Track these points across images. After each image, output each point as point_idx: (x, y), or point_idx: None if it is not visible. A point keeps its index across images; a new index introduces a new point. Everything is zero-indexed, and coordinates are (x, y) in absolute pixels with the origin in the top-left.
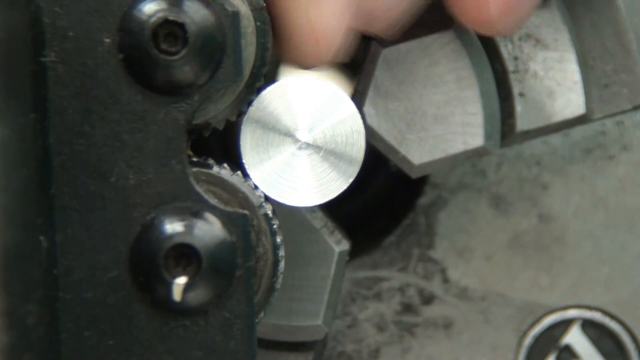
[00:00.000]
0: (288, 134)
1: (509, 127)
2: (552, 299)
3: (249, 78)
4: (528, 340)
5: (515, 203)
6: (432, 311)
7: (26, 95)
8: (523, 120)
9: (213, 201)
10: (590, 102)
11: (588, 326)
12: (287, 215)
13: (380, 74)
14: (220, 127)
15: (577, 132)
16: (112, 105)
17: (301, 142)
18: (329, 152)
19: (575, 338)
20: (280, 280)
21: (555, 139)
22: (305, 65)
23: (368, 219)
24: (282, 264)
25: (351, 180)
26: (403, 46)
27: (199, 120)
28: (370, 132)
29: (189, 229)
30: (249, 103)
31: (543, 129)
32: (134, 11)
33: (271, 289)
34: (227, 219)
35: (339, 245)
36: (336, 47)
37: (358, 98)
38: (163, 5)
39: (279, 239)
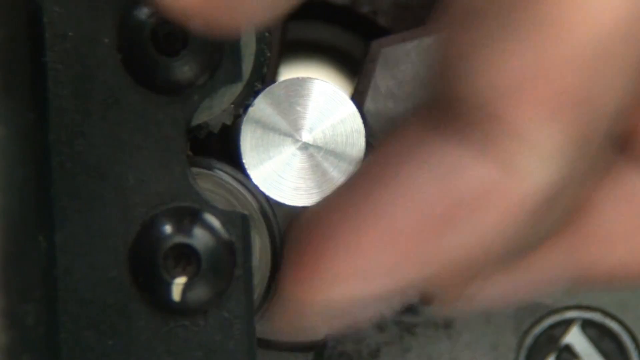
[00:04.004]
0: (288, 134)
1: None
2: (552, 299)
3: (248, 78)
4: (528, 340)
5: None
6: (432, 311)
7: (26, 95)
8: None
9: (212, 201)
10: None
11: (588, 326)
12: (287, 215)
13: (380, 74)
14: (226, 123)
15: None
16: (111, 105)
17: (301, 142)
18: (329, 152)
19: (575, 338)
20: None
21: None
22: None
23: None
24: (281, 264)
25: None
26: (403, 46)
27: (199, 120)
28: (370, 132)
29: (188, 229)
30: (249, 103)
31: None
32: (134, 11)
33: (271, 289)
34: (226, 219)
35: None
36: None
37: (358, 98)
38: None
39: (278, 239)
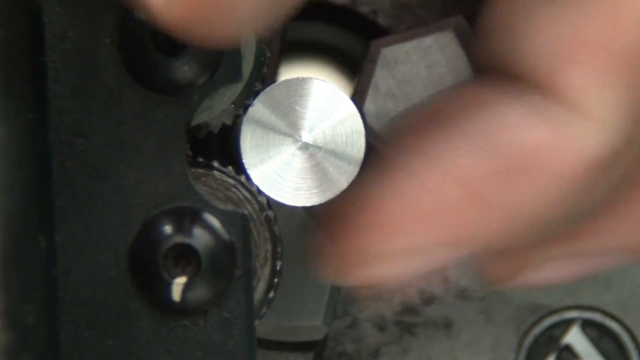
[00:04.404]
0: (288, 134)
1: None
2: (552, 299)
3: (248, 78)
4: (528, 340)
5: None
6: (432, 311)
7: (26, 95)
8: None
9: (212, 201)
10: None
11: (588, 326)
12: (287, 215)
13: (380, 74)
14: (226, 123)
15: None
16: (112, 105)
17: (301, 142)
18: (329, 152)
19: (575, 338)
20: (280, 280)
21: None
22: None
23: None
24: (281, 264)
25: (351, 180)
26: (403, 46)
27: (199, 120)
28: (370, 132)
29: (188, 229)
30: (249, 103)
31: None
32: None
33: (271, 289)
34: (226, 219)
35: None
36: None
37: (358, 98)
38: None
39: (278, 239)
